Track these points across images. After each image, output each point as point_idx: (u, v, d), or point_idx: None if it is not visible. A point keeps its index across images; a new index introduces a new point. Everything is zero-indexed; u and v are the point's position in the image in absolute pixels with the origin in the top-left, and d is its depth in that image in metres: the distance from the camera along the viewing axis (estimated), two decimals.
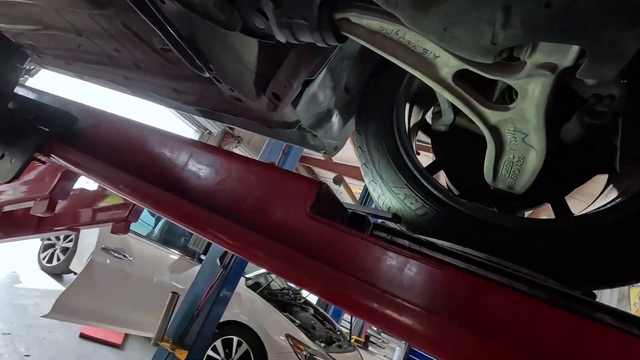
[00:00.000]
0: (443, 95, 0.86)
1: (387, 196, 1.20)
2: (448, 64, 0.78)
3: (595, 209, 1.05)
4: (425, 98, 1.53)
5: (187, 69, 1.70)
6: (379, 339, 17.23)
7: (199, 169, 1.06)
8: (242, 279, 5.28)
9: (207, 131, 10.20)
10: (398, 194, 1.17)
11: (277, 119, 1.49)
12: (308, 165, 13.44)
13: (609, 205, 1.00)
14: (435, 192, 1.12)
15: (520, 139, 0.92)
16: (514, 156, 0.99)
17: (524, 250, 0.97)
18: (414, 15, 0.61)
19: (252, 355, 4.68)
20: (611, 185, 1.24)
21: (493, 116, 0.88)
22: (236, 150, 10.47)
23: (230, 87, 1.40)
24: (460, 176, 1.46)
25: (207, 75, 1.38)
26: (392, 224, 1.30)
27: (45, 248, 6.30)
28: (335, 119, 1.55)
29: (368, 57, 1.51)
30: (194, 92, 1.77)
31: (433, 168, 1.42)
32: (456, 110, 1.30)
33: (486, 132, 0.94)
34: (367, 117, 1.35)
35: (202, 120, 9.81)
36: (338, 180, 12.79)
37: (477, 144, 1.38)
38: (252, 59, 1.31)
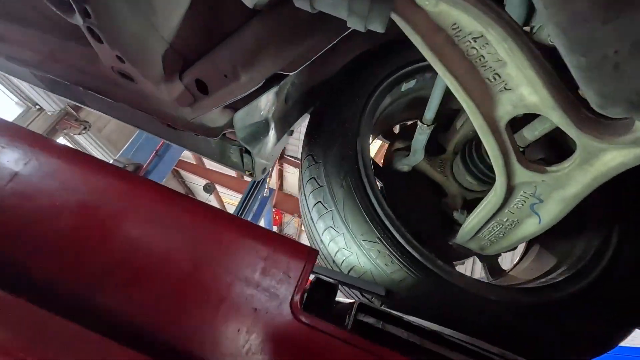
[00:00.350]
0: (484, 138, 0.64)
1: (353, 251, 0.90)
2: (517, 103, 0.57)
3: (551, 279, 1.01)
4: (381, 127, 1.34)
5: (27, 2, 1.01)
6: None
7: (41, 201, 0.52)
8: None
9: (37, 107, 7.52)
10: (369, 250, 0.89)
11: (192, 119, 1.00)
12: (175, 167, 11.82)
13: (567, 274, 0.98)
14: (414, 253, 0.89)
15: (529, 204, 0.78)
16: (507, 219, 0.86)
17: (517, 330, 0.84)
18: (587, 16, 0.35)
19: None
20: (537, 246, 1.30)
21: (522, 175, 0.71)
22: (79, 139, 8.15)
23: (117, 54, 0.86)
24: (405, 221, 1.30)
25: (76, 21, 0.80)
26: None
27: None
28: (272, 133, 1.17)
29: (319, 64, 1.21)
30: (35, 47, 1.07)
31: None
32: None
33: (500, 189, 0.77)
34: (326, 141, 1.04)
35: (29, 88, 7.15)
36: (209, 189, 11.74)
37: (432, 192, 1.26)
38: (171, 19, 0.81)
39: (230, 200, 12.85)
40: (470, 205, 1.14)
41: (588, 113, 0.52)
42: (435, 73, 1.26)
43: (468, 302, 0.86)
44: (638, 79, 0.39)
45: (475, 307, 0.86)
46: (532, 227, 0.83)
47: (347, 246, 0.90)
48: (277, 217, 11.22)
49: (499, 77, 0.56)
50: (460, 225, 1.12)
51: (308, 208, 1.03)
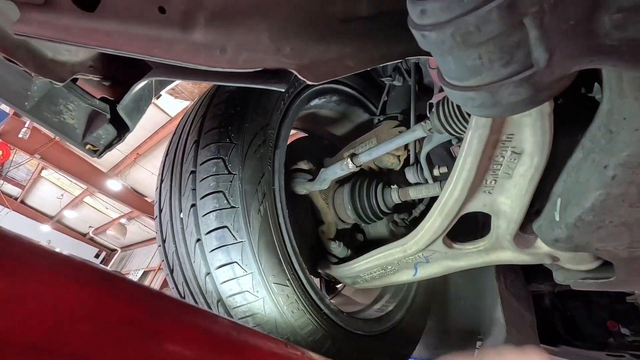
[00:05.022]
0: (438, 216, 0.67)
1: (261, 296, 0.73)
2: (487, 204, 0.63)
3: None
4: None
5: None
6: None
7: None
8: None
9: None
10: (278, 295, 0.75)
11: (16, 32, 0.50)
12: None
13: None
14: (320, 304, 0.84)
15: (417, 262, 0.92)
16: (391, 267, 0.97)
17: None
18: None
19: None
20: None
21: (434, 246, 0.81)
22: None
23: None
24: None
25: None
26: None
27: None
28: (145, 103, 0.78)
29: None
30: None
31: None
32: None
33: (411, 251, 0.85)
34: (245, 146, 0.79)
35: None
36: None
37: (312, 217, 1.23)
38: None
39: None
40: (341, 236, 1.21)
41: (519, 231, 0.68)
42: (342, 100, 1.26)
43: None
44: None
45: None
46: (406, 276, 0.98)
47: (255, 289, 0.73)
48: (1, 153, 7.72)
49: (494, 183, 0.62)
50: (333, 255, 1.17)
51: (197, 229, 0.76)
